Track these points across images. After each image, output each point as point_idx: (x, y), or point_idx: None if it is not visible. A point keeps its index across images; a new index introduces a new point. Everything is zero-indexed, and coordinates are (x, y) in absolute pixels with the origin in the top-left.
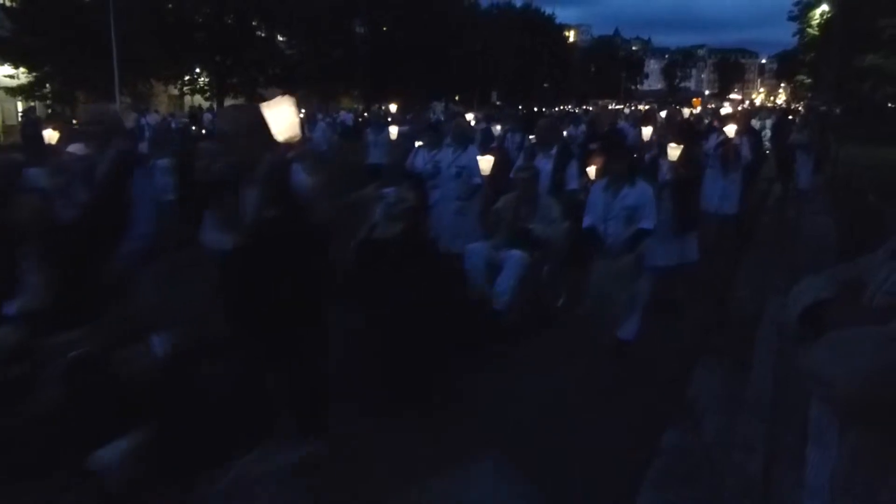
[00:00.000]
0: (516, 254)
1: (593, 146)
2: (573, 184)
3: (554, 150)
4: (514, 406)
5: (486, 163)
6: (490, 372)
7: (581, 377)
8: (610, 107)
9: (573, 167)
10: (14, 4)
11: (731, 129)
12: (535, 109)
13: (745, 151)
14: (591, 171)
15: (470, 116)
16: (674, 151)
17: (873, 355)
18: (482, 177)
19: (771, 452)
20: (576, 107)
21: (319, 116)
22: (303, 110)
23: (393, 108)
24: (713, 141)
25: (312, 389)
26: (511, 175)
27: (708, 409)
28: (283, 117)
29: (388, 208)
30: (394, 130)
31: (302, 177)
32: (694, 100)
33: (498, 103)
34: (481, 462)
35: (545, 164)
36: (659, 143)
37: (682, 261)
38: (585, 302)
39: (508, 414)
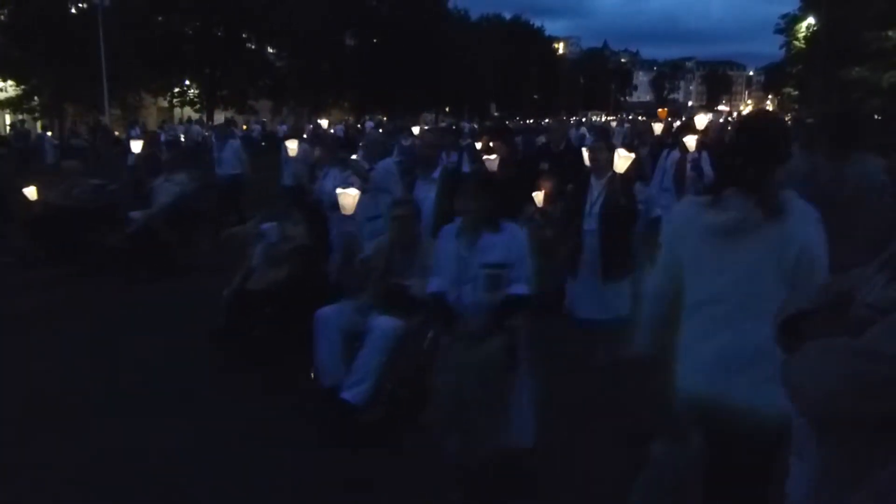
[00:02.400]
0: (384, 322)
1: (544, 165)
2: None
3: (436, 174)
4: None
5: (348, 198)
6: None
7: (565, 388)
8: (602, 118)
9: None
10: (2, 17)
11: (691, 142)
12: (507, 122)
13: (707, 168)
14: (539, 196)
15: (417, 130)
16: (624, 162)
17: (839, 370)
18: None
19: None
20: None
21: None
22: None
23: (324, 122)
24: (669, 158)
25: None
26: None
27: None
28: None
29: (269, 249)
30: (293, 145)
31: None
32: (660, 111)
33: (496, 114)
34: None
35: (427, 193)
36: (591, 160)
37: (608, 314)
38: (431, 409)
39: None
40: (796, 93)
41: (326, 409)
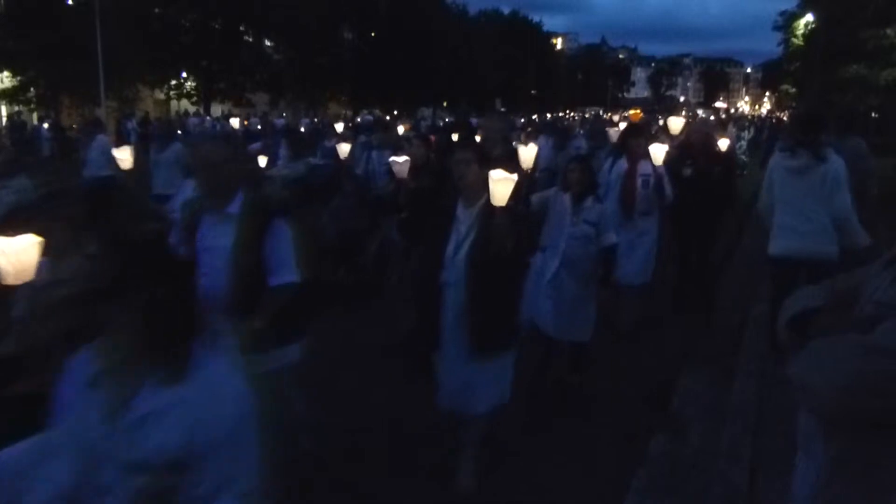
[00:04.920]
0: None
1: None
2: (284, 274)
3: (234, 208)
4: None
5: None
6: None
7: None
8: (583, 115)
9: (281, 237)
10: None
11: (658, 152)
12: (512, 117)
13: (667, 188)
14: None
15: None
16: (501, 186)
17: (852, 366)
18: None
19: (756, 461)
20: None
21: (130, 126)
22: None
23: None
24: (614, 169)
25: None
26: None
27: (693, 417)
28: None
29: (34, 295)
30: (123, 155)
31: None
32: (632, 112)
33: (502, 110)
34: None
35: (215, 241)
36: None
37: (479, 405)
38: None
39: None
40: (794, 90)
41: None
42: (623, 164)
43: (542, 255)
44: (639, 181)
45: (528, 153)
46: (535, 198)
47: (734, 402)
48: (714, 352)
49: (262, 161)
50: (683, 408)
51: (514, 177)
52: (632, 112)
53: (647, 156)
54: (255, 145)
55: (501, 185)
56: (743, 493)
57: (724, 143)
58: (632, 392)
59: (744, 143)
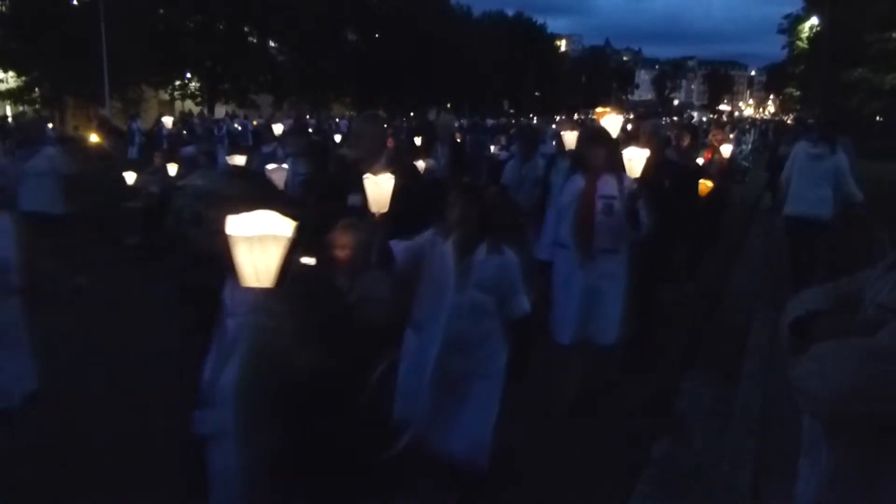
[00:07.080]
0: None
1: (355, 199)
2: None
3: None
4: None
5: None
6: None
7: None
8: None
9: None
10: (2, 9)
11: (633, 160)
12: (522, 119)
13: (642, 213)
14: (340, 252)
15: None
16: (258, 252)
17: (854, 369)
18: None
19: (760, 465)
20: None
21: (135, 126)
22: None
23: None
24: (567, 189)
25: None
26: None
27: (697, 420)
28: None
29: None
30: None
31: None
32: (597, 111)
33: (511, 111)
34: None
35: None
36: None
37: None
38: None
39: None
40: (798, 93)
41: None
42: (579, 181)
43: (417, 337)
44: (598, 205)
45: (379, 188)
46: (399, 248)
47: (738, 405)
48: (717, 355)
49: (172, 169)
50: (687, 411)
51: (286, 229)
52: (598, 110)
53: (613, 170)
54: (188, 149)
55: (256, 249)
56: (746, 497)
57: (723, 151)
58: (635, 395)
59: (745, 147)
